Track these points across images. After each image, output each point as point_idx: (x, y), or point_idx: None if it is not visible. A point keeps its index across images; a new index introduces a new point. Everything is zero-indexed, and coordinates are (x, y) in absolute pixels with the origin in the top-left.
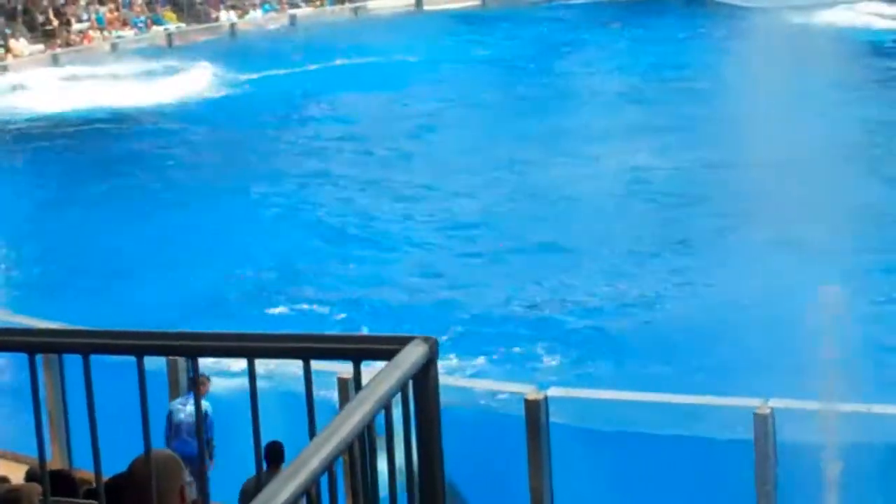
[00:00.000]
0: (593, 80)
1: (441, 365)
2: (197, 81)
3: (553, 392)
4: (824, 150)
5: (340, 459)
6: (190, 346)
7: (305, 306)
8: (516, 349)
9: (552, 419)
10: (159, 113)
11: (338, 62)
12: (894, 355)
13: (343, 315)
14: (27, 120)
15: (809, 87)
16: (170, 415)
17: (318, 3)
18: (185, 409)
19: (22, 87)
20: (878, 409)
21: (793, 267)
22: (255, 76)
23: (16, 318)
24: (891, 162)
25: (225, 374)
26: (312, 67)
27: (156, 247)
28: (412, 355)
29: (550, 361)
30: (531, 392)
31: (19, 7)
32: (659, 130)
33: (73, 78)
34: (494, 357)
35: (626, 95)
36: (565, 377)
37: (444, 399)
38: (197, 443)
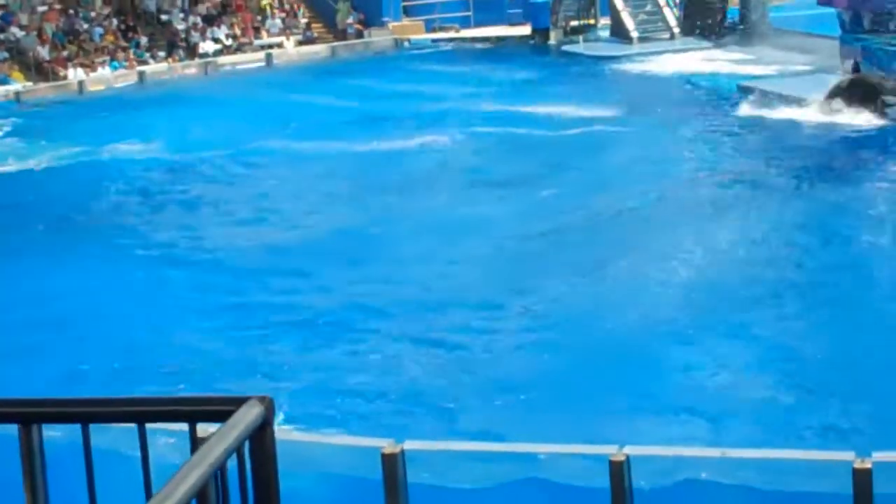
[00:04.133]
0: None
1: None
2: None
3: (410, 445)
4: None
5: None
6: (22, 413)
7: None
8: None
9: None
10: None
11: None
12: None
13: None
14: None
15: (638, 131)
16: None
17: (170, 60)
18: None
19: None
20: (732, 452)
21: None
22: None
23: None
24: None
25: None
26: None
27: None
28: (247, 416)
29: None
30: (388, 445)
31: None
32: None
33: None
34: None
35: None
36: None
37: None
38: None
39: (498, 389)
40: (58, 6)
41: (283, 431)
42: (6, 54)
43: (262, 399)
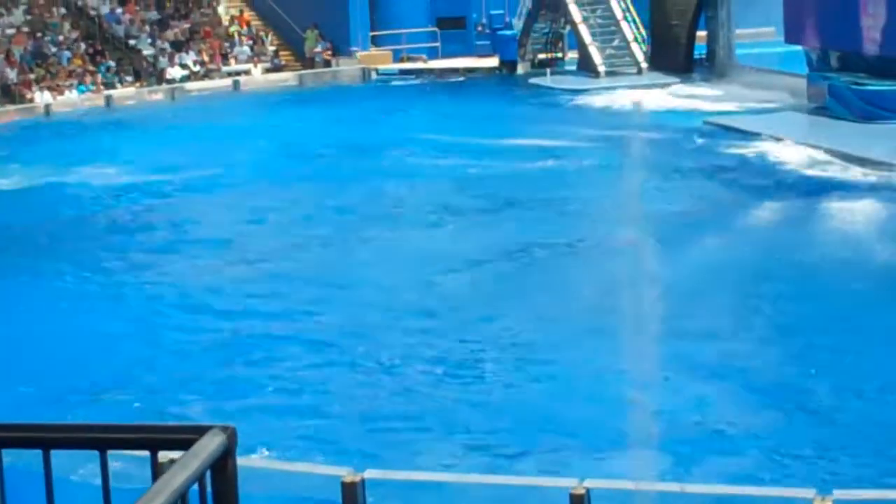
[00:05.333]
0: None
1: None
2: None
3: (370, 474)
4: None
5: None
6: None
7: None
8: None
9: None
10: None
11: None
12: None
13: None
14: None
15: (596, 167)
16: None
17: (138, 84)
18: None
19: None
20: (691, 488)
21: None
22: None
23: None
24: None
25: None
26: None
27: None
28: (210, 445)
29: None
30: (347, 474)
31: None
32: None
33: None
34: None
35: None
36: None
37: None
38: None
39: None
40: (26, 29)
41: (245, 459)
42: None
43: (224, 428)
